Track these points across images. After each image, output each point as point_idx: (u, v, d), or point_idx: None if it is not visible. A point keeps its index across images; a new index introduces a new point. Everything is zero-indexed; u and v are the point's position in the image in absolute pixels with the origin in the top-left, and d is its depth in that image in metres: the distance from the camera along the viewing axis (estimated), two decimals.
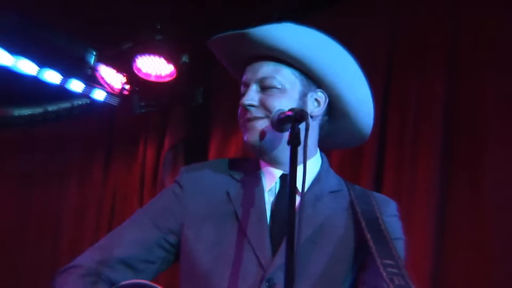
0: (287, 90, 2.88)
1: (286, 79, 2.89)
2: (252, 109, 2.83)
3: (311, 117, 2.89)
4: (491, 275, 5.41)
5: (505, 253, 5.35)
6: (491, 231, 5.45)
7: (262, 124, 2.81)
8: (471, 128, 5.73)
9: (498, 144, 5.53)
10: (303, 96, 2.92)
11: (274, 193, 2.90)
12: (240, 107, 2.90)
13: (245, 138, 2.88)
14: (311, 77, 2.94)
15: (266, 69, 2.89)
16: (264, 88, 2.87)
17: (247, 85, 2.91)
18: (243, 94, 2.90)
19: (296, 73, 2.92)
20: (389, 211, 2.96)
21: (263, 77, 2.88)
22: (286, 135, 2.65)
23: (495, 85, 5.65)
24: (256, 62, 2.93)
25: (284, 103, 2.81)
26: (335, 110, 3.02)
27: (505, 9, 5.68)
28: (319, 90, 2.94)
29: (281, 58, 2.89)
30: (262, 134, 2.81)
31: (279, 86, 2.87)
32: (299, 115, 2.60)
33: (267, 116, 2.80)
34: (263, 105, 2.84)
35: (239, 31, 2.90)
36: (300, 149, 2.55)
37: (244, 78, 2.94)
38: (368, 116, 3.06)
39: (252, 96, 2.85)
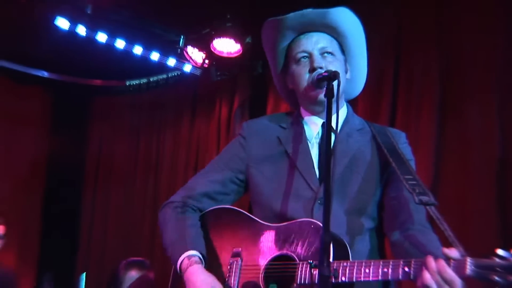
0: (337, 57, 2.92)
1: (336, 49, 2.94)
2: (321, 70, 2.78)
3: (347, 79, 3.01)
4: (473, 192, 5.58)
5: (483, 175, 5.53)
6: (473, 158, 5.64)
7: None
8: (459, 89, 5.86)
9: (477, 101, 5.68)
10: (345, 63, 2.99)
11: (319, 136, 2.93)
12: (308, 68, 2.86)
13: (315, 94, 2.84)
14: (344, 53, 3.00)
15: (325, 40, 2.90)
16: (323, 53, 2.88)
17: (307, 52, 2.89)
18: (302, 58, 2.89)
19: (339, 46, 2.97)
20: (401, 140, 2.99)
21: (324, 46, 2.88)
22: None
23: (476, 57, 5.76)
24: (313, 33, 2.93)
25: (338, 67, 2.82)
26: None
27: None
28: (347, 63, 3.01)
29: (331, 33, 2.95)
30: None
31: (334, 53, 2.90)
32: (332, 75, 2.61)
33: None
34: (326, 68, 2.80)
35: (321, 9, 2.90)
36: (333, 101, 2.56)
37: (303, 46, 2.91)
38: (362, 82, 3.14)
39: (319, 61, 2.83)
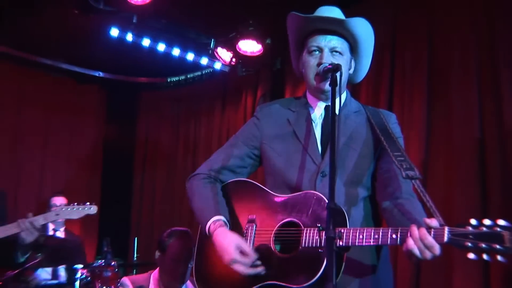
0: (344, 56, 2.86)
1: (345, 49, 2.87)
2: (326, 64, 2.77)
3: (350, 73, 2.98)
4: (457, 165, 5.60)
5: (465, 149, 5.56)
6: (457, 134, 5.67)
7: None
8: (443, 79, 5.89)
9: (459, 90, 5.72)
10: (350, 61, 2.93)
11: (322, 117, 2.90)
12: (317, 61, 2.84)
13: (321, 86, 2.84)
14: (352, 53, 2.95)
15: (337, 41, 2.84)
16: (332, 52, 2.83)
17: (320, 49, 2.85)
18: (314, 51, 2.86)
19: (349, 47, 2.91)
20: (392, 120, 2.95)
21: (335, 46, 2.84)
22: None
23: (460, 51, 5.81)
24: (328, 35, 2.86)
25: (343, 64, 2.80)
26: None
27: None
28: (352, 59, 2.96)
29: (345, 36, 2.88)
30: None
31: (342, 53, 2.85)
32: (336, 67, 2.64)
33: None
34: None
35: (339, 14, 2.90)
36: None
37: (318, 43, 2.86)
38: (364, 73, 3.06)
39: (328, 58, 2.80)
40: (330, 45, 2.85)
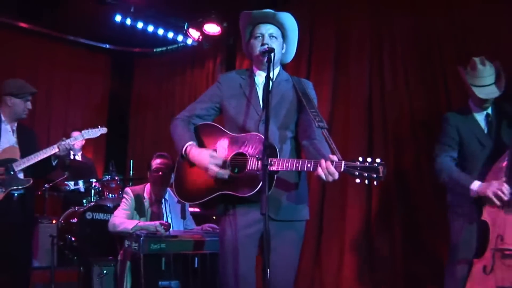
0: (278, 39, 2.86)
1: (279, 35, 2.87)
2: (265, 46, 2.78)
3: (283, 53, 2.97)
4: (352, 117, 5.68)
5: (358, 107, 5.62)
6: (353, 98, 5.69)
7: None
8: (345, 54, 5.92)
9: (355, 62, 5.75)
10: (282, 44, 2.91)
11: (263, 83, 2.88)
12: (260, 43, 2.84)
13: (262, 60, 2.83)
14: (284, 38, 2.94)
15: (273, 29, 2.85)
16: (270, 37, 2.83)
17: (262, 35, 2.84)
18: (258, 37, 2.85)
19: (281, 35, 2.90)
20: (310, 87, 2.95)
21: (272, 32, 2.84)
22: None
23: (357, 37, 5.81)
24: (267, 24, 2.86)
25: (277, 46, 2.83)
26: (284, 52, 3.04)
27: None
28: (284, 43, 2.97)
29: (278, 26, 2.89)
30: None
31: (277, 37, 2.85)
32: (271, 49, 2.69)
33: None
34: (270, 45, 2.81)
35: (272, 10, 2.86)
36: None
37: (261, 30, 2.86)
38: (292, 54, 3.04)
39: (267, 40, 2.81)
40: (269, 32, 2.86)
